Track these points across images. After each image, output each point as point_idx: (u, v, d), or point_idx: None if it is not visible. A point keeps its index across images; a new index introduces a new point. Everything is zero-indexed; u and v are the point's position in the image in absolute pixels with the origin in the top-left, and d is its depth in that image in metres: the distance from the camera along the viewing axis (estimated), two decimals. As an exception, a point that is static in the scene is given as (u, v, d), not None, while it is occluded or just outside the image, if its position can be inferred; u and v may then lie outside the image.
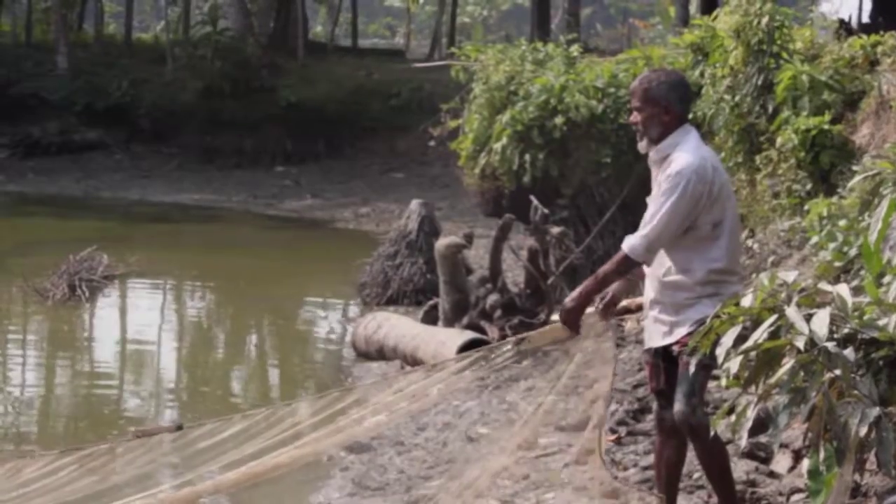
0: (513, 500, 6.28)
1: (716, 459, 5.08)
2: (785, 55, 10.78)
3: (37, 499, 4.63)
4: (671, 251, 5.00)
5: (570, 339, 5.19)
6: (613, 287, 5.19)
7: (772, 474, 6.02)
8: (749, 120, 10.83)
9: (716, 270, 4.96)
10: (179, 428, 4.96)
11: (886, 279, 5.09)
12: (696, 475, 6.03)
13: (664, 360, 5.10)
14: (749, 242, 9.93)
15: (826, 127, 9.88)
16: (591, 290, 5.05)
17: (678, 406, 4.92)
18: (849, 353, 3.61)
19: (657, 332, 5.11)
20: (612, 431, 7.30)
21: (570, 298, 5.07)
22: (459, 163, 14.54)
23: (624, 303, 8.81)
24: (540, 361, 8.91)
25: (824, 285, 3.91)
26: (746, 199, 10.74)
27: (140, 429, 5.10)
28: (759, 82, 10.70)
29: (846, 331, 3.72)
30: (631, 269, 5.04)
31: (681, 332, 4.95)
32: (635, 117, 5.09)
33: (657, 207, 4.93)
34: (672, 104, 5.04)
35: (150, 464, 4.96)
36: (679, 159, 4.94)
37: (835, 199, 8.61)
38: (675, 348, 4.96)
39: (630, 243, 4.95)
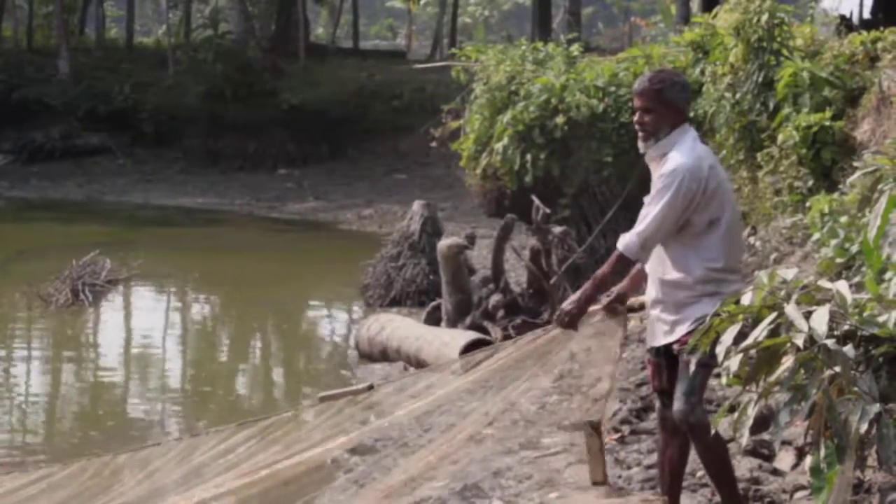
0: (516, 500, 6.28)
1: (716, 457, 5.08)
2: (785, 52, 10.78)
3: (221, 475, 4.62)
4: (669, 249, 5.02)
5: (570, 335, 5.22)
6: (620, 285, 5.23)
7: (775, 472, 6.01)
8: (750, 117, 10.83)
9: (714, 269, 4.97)
10: (370, 388, 4.93)
11: (887, 275, 5.09)
12: (699, 473, 6.02)
13: (666, 358, 5.11)
14: (751, 240, 9.92)
15: (827, 123, 9.87)
16: (589, 294, 5.10)
17: (677, 405, 4.94)
18: (848, 349, 3.61)
19: (659, 331, 5.12)
20: (616, 430, 7.30)
21: (569, 302, 5.11)
22: (461, 163, 14.54)
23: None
24: (545, 362, 8.89)
25: (824, 282, 3.90)
26: (748, 197, 10.74)
27: (327, 393, 5.05)
28: (760, 80, 10.70)
29: (846, 328, 3.72)
30: (627, 268, 5.05)
31: (681, 330, 4.96)
32: (642, 117, 5.07)
33: (651, 205, 4.96)
34: (683, 105, 5.11)
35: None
36: (674, 158, 4.97)
37: (836, 195, 8.59)
38: (676, 347, 4.98)
39: (625, 241, 4.97)
